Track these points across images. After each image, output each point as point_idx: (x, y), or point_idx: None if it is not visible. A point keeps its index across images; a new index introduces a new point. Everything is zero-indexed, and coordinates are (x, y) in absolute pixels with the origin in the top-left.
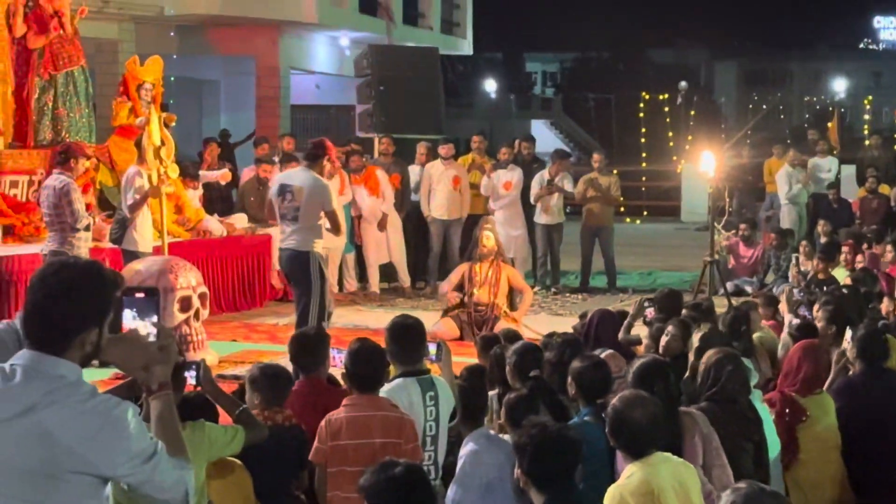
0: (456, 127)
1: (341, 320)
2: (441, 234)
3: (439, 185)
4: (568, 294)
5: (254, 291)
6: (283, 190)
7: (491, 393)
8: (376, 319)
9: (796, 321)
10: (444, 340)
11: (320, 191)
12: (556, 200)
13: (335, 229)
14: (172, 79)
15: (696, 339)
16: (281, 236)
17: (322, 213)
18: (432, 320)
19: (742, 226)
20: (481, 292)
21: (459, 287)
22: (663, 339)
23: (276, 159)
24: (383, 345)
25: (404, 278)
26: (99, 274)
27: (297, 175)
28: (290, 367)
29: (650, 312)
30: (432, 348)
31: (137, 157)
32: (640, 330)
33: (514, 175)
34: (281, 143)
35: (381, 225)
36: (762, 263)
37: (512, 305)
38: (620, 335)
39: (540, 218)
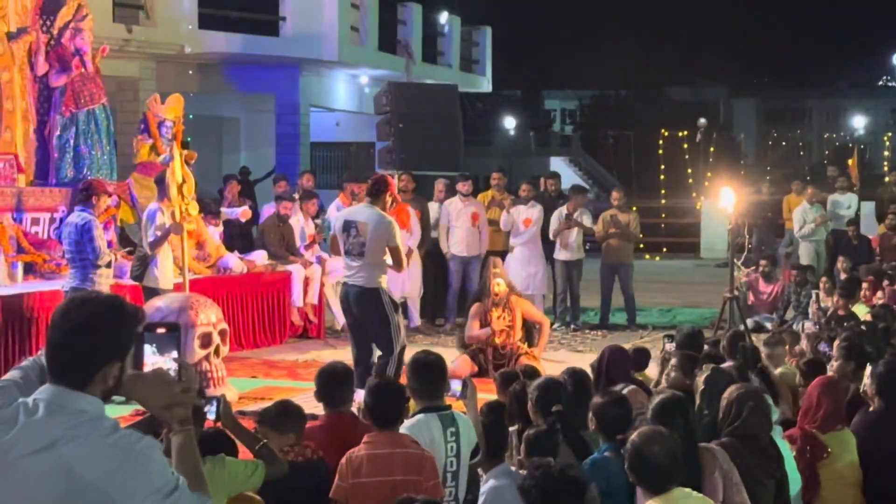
0: (475, 164)
1: None
2: (460, 270)
3: (458, 222)
4: (588, 331)
5: (274, 328)
6: (348, 226)
7: (511, 429)
8: None
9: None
10: (471, 378)
11: (385, 227)
12: (575, 236)
13: (397, 265)
14: (192, 117)
15: (700, 381)
16: (347, 272)
17: (386, 249)
18: (451, 357)
19: (762, 262)
20: (499, 337)
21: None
22: (664, 377)
23: (297, 196)
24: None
25: (415, 316)
26: (121, 308)
27: (361, 211)
28: (306, 405)
29: (669, 349)
30: (455, 385)
31: (157, 194)
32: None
33: (534, 212)
34: (301, 181)
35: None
36: (782, 300)
37: (530, 340)
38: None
39: (560, 254)
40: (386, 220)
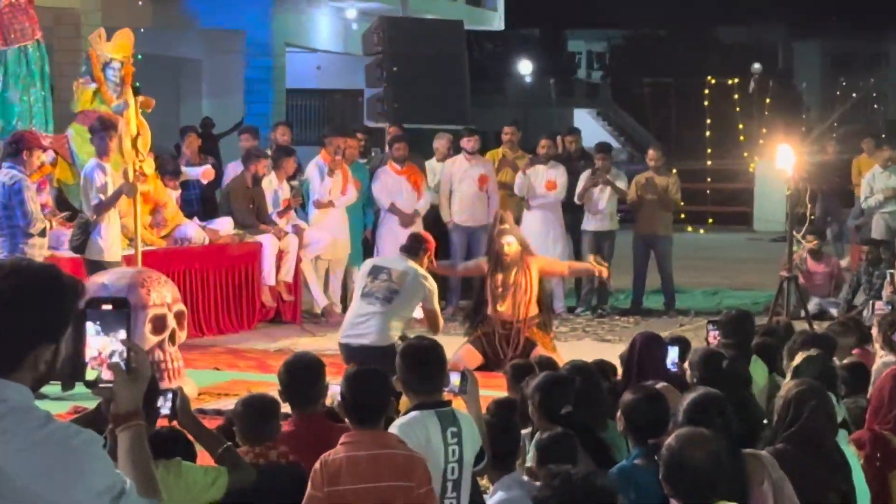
0: (483, 116)
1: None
2: (464, 243)
3: (462, 185)
4: (617, 317)
5: (241, 311)
6: (378, 271)
7: (524, 432)
8: None
9: (887, 355)
10: (469, 370)
11: (425, 288)
12: (606, 202)
13: (434, 328)
14: (140, 57)
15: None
16: (352, 321)
17: (419, 306)
18: (453, 347)
19: (810, 237)
20: (505, 306)
21: (477, 302)
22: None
23: (269, 153)
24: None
25: None
26: (57, 279)
27: (397, 261)
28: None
29: (714, 337)
30: (454, 378)
31: (98, 149)
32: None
33: (557, 173)
34: (274, 135)
35: (406, 223)
36: (850, 280)
37: (546, 323)
38: None
39: (588, 223)
40: (427, 283)
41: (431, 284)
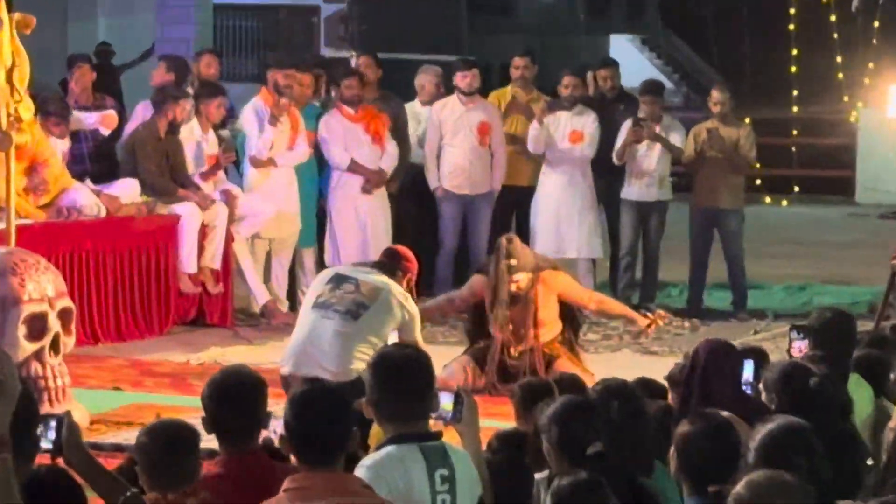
0: (486, 45)
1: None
2: (458, 217)
3: (456, 138)
4: (669, 319)
5: (149, 309)
6: (342, 280)
7: (538, 476)
8: None
9: None
10: (468, 391)
11: (403, 307)
12: (655, 162)
13: None
14: None
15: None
16: (299, 340)
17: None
18: (444, 358)
19: None
20: (509, 335)
21: (476, 315)
22: None
23: (190, 91)
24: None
25: None
26: None
27: (369, 272)
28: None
29: (799, 349)
30: (445, 401)
31: None
32: None
33: (586, 121)
34: (198, 66)
35: (371, 185)
36: None
37: (571, 336)
38: None
39: (629, 191)
40: (408, 305)
41: (412, 309)
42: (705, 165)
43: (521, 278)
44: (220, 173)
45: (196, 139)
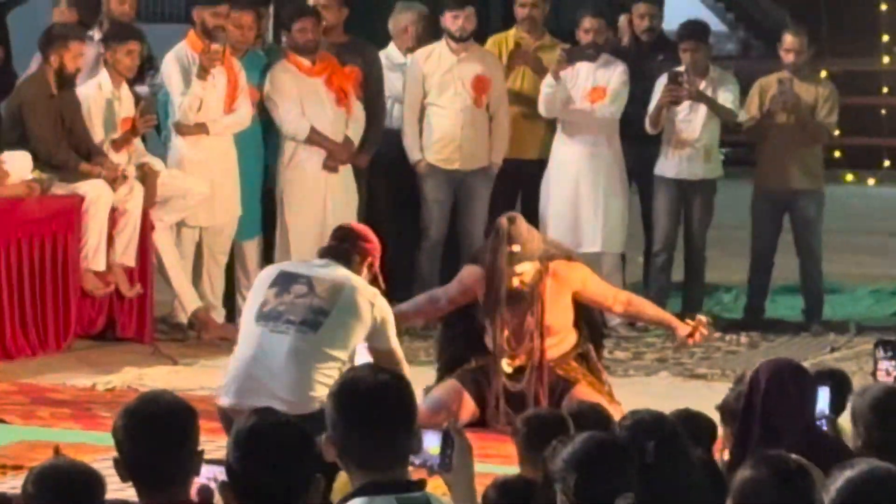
0: None
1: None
2: (447, 199)
3: (443, 97)
4: (719, 333)
5: (44, 319)
6: (288, 280)
7: None
8: None
9: None
10: (459, 427)
11: (372, 305)
12: (700, 129)
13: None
14: None
15: None
16: (242, 364)
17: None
18: (424, 382)
19: None
20: (518, 361)
21: (461, 321)
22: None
23: (95, 36)
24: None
25: None
26: None
27: (320, 266)
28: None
29: (888, 369)
30: (430, 441)
31: None
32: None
33: (611, 75)
34: (108, 5)
35: (334, 160)
36: None
37: (589, 352)
38: None
39: (666, 166)
40: (377, 303)
41: (383, 306)
42: (774, 133)
43: (526, 269)
44: (137, 142)
45: (106, 97)
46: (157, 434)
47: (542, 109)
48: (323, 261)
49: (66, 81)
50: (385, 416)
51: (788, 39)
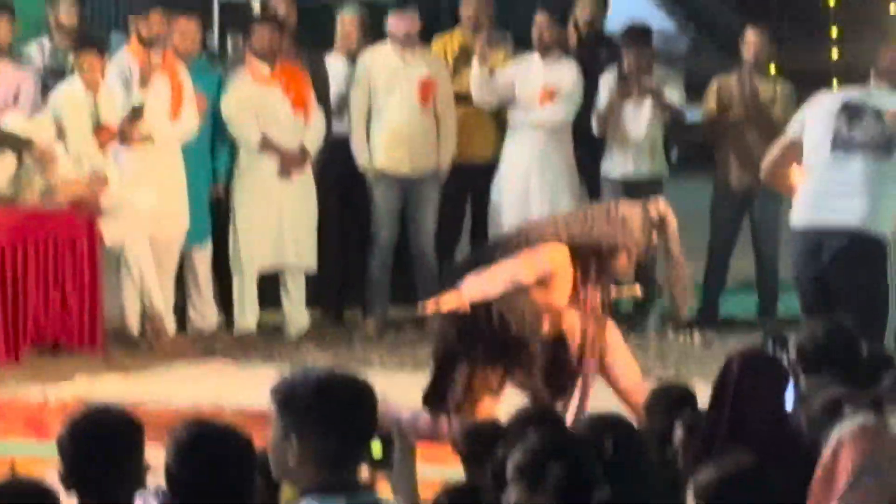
0: None
1: (183, 391)
2: (396, 205)
3: (390, 99)
4: (675, 333)
5: None
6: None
7: None
8: (257, 390)
9: None
10: (403, 426)
11: None
12: (645, 125)
13: None
14: None
15: None
16: None
17: None
18: (383, 385)
19: None
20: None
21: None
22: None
23: (47, 43)
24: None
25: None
26: None
27: None
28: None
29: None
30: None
31: None
32: None
33: (561, 73)
34: (55, 12)
35: (289, 168)
36: None
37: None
38: None
39: (611, 165)
40: None
41: None
42: (729, 130)
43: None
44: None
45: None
46: (101, 446)
47: (474, 95)
48: None
49: None
50: (339, 415)
51: (750, 37)
